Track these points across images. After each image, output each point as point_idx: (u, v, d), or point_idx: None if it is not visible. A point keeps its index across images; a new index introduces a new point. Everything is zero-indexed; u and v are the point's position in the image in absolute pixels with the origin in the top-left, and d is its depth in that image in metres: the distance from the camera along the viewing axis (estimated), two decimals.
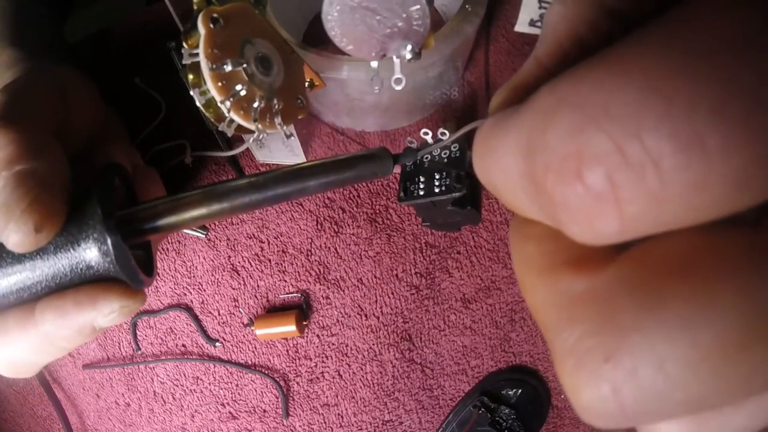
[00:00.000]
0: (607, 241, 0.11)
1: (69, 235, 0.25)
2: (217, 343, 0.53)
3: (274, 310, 0.53)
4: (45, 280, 0.25)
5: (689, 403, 0.10)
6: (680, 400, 0.10)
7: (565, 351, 0.11)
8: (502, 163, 0.13)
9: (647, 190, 0.09)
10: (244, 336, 0.53)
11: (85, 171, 0.30)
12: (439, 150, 0.42)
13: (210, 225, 0.54)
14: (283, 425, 0.52)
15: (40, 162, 0.25)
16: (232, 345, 0.53)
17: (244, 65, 0.32)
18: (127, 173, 0.32)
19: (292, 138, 0.38)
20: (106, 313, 0.25)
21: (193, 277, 0.54)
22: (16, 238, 0.24)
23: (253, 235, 0.54)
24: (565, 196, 0.11)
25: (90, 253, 0.25)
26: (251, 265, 0.53)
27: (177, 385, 0.54)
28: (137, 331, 0.55)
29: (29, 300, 0.26)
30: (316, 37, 0.56)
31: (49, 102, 0.31)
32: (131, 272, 0.26)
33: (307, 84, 0.40)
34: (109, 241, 0.24)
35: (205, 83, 0.31)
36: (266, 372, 0.53)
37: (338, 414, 0.52)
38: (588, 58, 0.11)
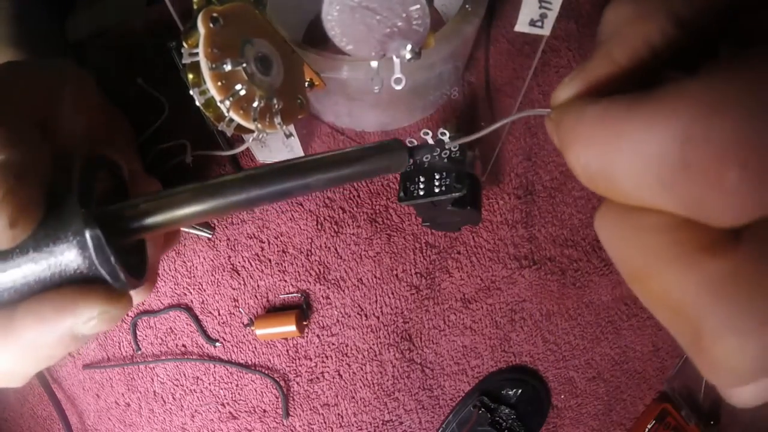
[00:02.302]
0: (746, 220, 0.13)
1: (48, 230, 0.23)
2: (217, 343, 0.53)
3: (274, 310, 0.53)
4: (25, 280, 0.23)
5: None
6: None
7: (720, 324, 0.13)
8: (638, 147, 0.14)
9: None
10: (244, 336, 0.53)
11: None
12: (439, 150, 0.42)
13: (214, 224, 0.54)
14: (283, 425, 0.52)
15: (17, 152, 0.24)
16: (232, 345, 0.53)
17: (244, 65, 0.32)
18: (119, 169, 0.30)
19: (292, 138, 0.38)
20: (86, 319, 0.24)
21: (193, 277, 0.54)
22: None
23: (254, 235, 0.54)
24: (728, 180, 0.12)
25: (68, 248, 0.23)
26: (251, 265, 0.53)
27: (177, 385, 0.54)
28: (137, 331, 0.55)
29: (10, 303, 0.24)
30: (315, 37, 0.56)
31: (36, 91, 0.30)
32: (111, 270, 0.23)
33: (306, 84, 0.40)
34: (86, 234, 0.23)
35: (204, 83, 0.31)
36: (266, 372, 0.53)
37: (338, 414, 0.52)
38: (714, 58, 0.13)
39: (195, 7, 0.33)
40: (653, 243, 0.15)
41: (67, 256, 0.23)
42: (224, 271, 0.54)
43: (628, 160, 0.14)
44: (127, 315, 0.54)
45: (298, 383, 0.52)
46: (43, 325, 0.23)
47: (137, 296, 0.30)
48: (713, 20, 0.16)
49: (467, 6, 0.43)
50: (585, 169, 0.16)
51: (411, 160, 0.35)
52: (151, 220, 0.24)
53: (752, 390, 0.15)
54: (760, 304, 0.13)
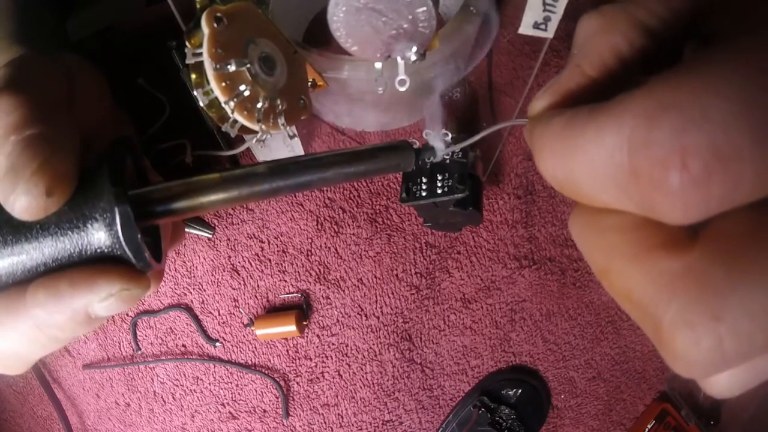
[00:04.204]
0: (696, 219, 0.14)
1: (74, 207, 0.23)
2: (217, 343, 0.53)
3: (274, 310, 0.53)
4: (43, 258, 0.23)
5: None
6: (764, 343, 0.13)
7: (675, 318, 0.14)
8: (592, 157, 0.15)
9: (732, 175, 0.12)
10: (244, 336, 0.53)
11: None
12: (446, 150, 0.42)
13: (215, 224, 0.54)
14: (283, 425, 0.52)
15: (50, 127, 0.24)
16: (232, 345, 0.53)
17: (248, 65, 0.32)
18: (138, 152, 0.30)
19: (294, 138, 0.38)
20: (104, 296, 0.23)
21: (193, 277, 0.54)
22: (24, 202, 0.22)
23: (254, 235, 0.54)
24: (670, 183, 0.13)
25: (94, 224, 0.23)
26: (251, 265, 0.53)
27: (177, 385, 0.54)
28: (137, 331, 0.54)
29: (24, 281, 0.23)
30: (316, 37, 0.56)
31: (55, 79, 0.30)
32: (137, 248, 0.23)
33: (309, 84, 0.39)
34: (116, 210, 0.23)
35: (208, 83, 0.31)
36: (266, 372, 0.53)
37: (338, 414, 0.52)
38: (668, 68, 0.14)
39: (198, 6, 0.32)
40: (615, 242, 0.16)
41: (92, 233, 0.23)
42: (224, 271, 0.53)
43: (586, 168, 0.15)
44: (127, 315, 0.54)
45: (298, 383, 0.52)
46: (56, 301, 0.23)
47: None
48: (679, 26, 0.17)
49: (471, 8, 0.43)
50: (552, 176, 0.17)
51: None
52: (178, 204, 0.24)
53: (726, 381, 0.16)
54: (711, 298, 0.13)
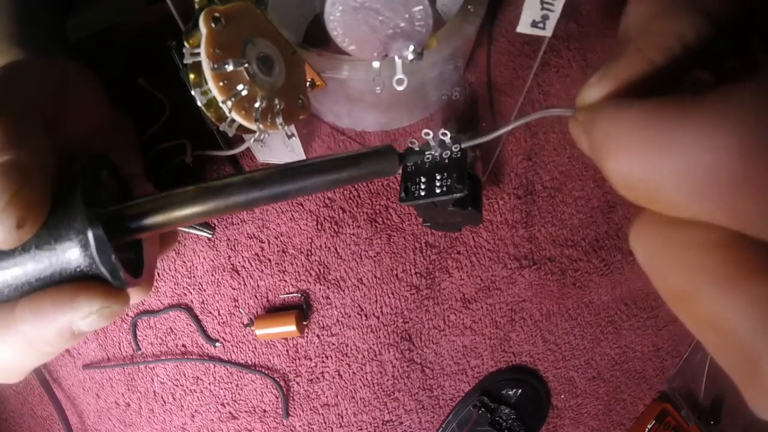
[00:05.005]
0: None
1: (51, 228, 0.24)
2: (217, 343, 0.53)
3: (274, 310, 0.53)
4: (26, 278, 0.24)
5: None
6: None
7: None
8: (688, 157, 0.13)
9: None
10: (244, 336, 0.53)
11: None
12: (440, 150, 0.42)
13: (214, 224, 0.54)
14: (283, 425, 0.52)
15: (23, 152, 0.24)
16: (232, 345, 0.53)
17: (246, 65, 0.32)
18: (118, 169, 0.30)
19: (294, 138, 0.38)
20: (85, 313, 0.24)
21: (193, 277, 0.54)
22: None
23: (253, 235, 0.54)
24: None
25: (70, 246, 0.23)
26: (251, 265, 0.53)
27: (177, 385, 0.54)
28: (137, 331, 0.54)
29: (12, 299, 0.24)
30: (315, 37, 0.56)
31: (41, 90, 0.30)
32: (112, 269, 0.24)
33: (308, 84, 0.39)
34: (89, 233, 0.23)
35: (206, 83, 0.31)
36: (266, 372, 0.53)
37: (338, 414, 0.52)
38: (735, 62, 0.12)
39: (196, 6, 0.33)
40: (700, 262, 0.14)
41: (69, 254, 0.24)
42: (224, 271, 0.54)
43: (678, 169, 0.13)
44: (127, 315, 0.54)
45: (298, 383, 0.52)
46: (42, 320, 0.24)
47: (135, 296, 0.31)
48: (743, 16, 0.15)
49: (469, 6, 0.43)
50: (625, 176, 0.15)
51: (411, 165, 0.35)
52: (151, 220, 0.24)
53: None
54: None
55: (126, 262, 0.26)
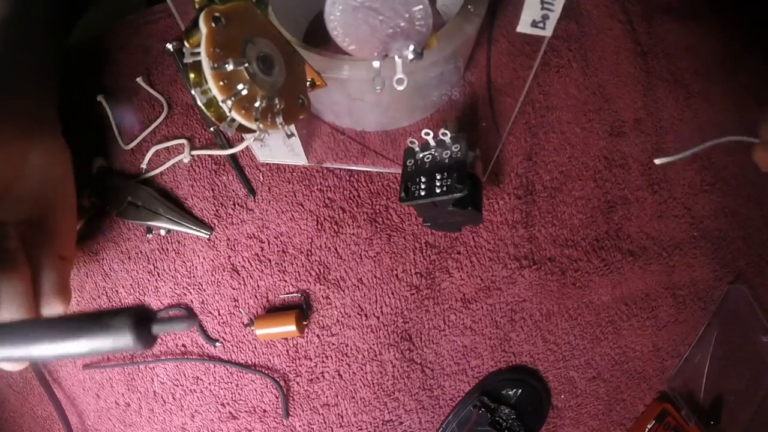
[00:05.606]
0: None
1: None
2: (217, 343, 0.53)
3: (274, 310, 0.53)
4: None
5: None
6: None
7: None
8: None
9: None
10: (244, 336, 0.53)
11: None
12: (440, 150, 0.42)
13: (214, 224, 0.54)
14: (283, 425, 0.52)
15: None
16: (232, 345, 0.53)
17: (246, 64, 0.32)
18: None
19: (293, 137, 0.38)
20: None
21: (193, 277, 0.54)
22: None
23: (253, 235, 0.54)
24: None
25: None
26: (251, 265, 0.53)
27: (177, 385, 0.54)
28: None
29: None
30: (316, 37, 0.56)
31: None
32: None
33: (308, 83, 0.40)
34: None
35: (206, 82, 0.31)
36: (266, 372, 0.53)
37: (338, 414, 0.52)
38: None
39: (196, 6, 0.33)
40: None
41: None
42: (224, 271, 0.54)
43: None
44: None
45: (298, 383, 0.52)
46: None
47: (51, 309, 0.32)
48: None
49: (469, 6, 0.43)
50: None
51: (411, 165, 0.35)
52: None
53: None
54: None
55: None
